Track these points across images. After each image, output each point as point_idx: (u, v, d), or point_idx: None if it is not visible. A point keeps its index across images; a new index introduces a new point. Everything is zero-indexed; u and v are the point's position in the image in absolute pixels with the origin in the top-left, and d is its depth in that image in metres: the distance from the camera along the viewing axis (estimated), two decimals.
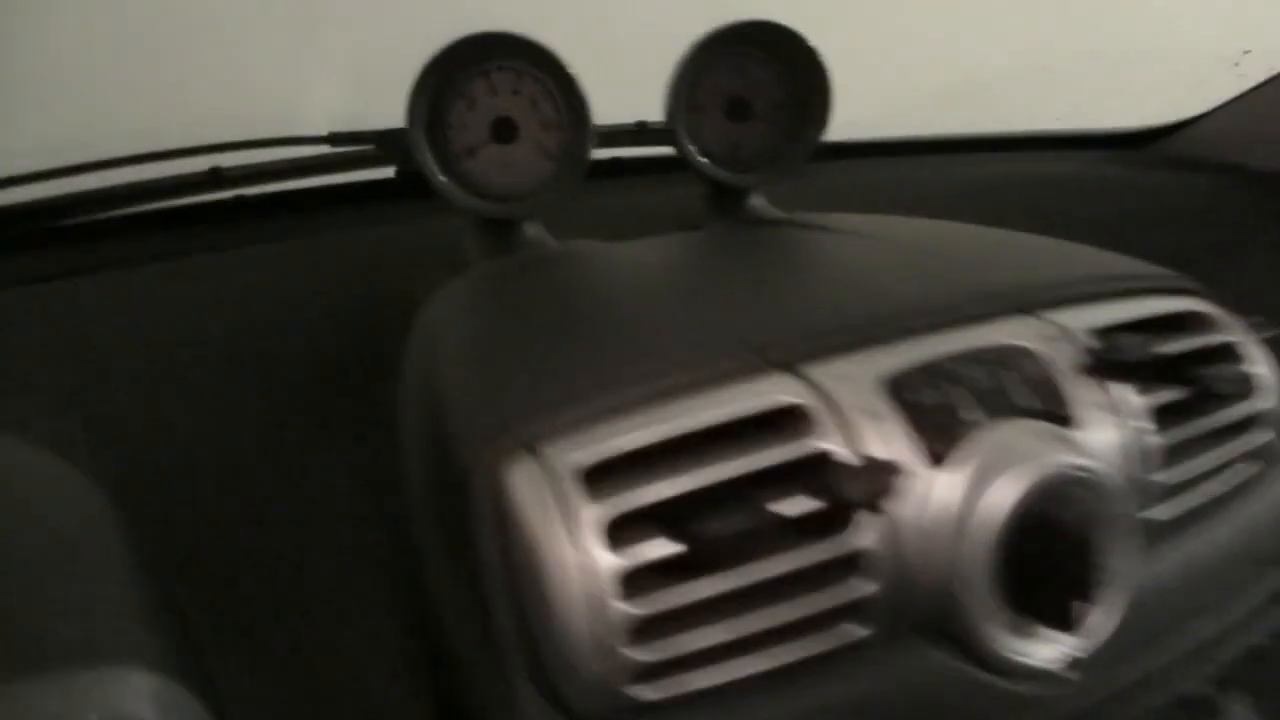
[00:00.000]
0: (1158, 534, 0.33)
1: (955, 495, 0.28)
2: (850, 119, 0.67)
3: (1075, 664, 0.29)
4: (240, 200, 0.65)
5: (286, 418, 0.48)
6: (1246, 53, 0.77)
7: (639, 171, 0.69)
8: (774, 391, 0.29)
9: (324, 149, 0.62)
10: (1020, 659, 0.29)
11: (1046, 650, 0.29)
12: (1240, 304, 0.51)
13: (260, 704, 0.32)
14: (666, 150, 0.52)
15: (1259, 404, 0.36)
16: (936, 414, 0.30)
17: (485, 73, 0.47)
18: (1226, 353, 0.36)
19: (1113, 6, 0.86)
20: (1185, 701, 0.34)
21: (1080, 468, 0.29)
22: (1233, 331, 0.37)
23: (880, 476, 0.27)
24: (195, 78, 0.72)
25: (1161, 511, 0.33)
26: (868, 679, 0.29)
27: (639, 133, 0.56)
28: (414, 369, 0.38)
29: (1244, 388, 0.35)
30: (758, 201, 0.55)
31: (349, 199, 0.68)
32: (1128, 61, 0.84)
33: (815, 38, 0.52)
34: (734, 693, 0.27)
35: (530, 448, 0.27)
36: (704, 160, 0.52)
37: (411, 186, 0.51)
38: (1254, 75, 0.75)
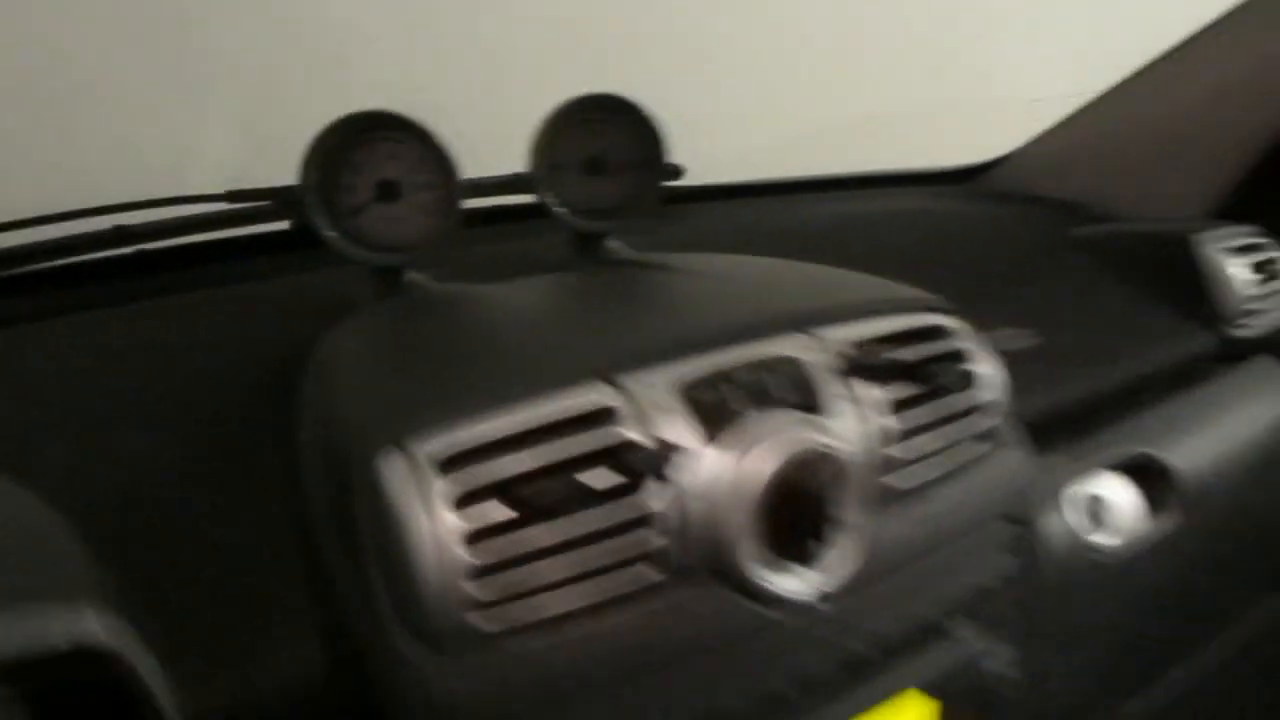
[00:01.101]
0: (897, 499, 0.44)
1: (725, 466, 0.39)
2: (712, 164, 0.79)
3: (824, 596, 0.40)
4: (143, 255, 0.72)
5: (198, 454, 0.54)
6: (1035, 101, 0.92)
7: (518, 218, 0.79)
8: (592, 395, 0.39)
9: (222, 206, 0.70)
10: (778, 591, 0.39)
11: (797, 584, 0.39)
12: (1017, 318, 0.64)
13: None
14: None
15: (982, 396, 0.47)
16: (713, 407, 0.40)
17: (369, 142, 0.57)
18: (957, 356, 0.48)
19: (924, 67, 1.02)
20: (921, 626, 0.45)
21: (822, 444, 0.40)
22: (965, 340, 0.48)
23: (664, 453, 0.37)
24: (92, 141, 0.80)
25: (899, 480, 0.44)
26: (664, 611, 0.38)
27: (514, 183, 0.66)
28: (310, 393, 0.46)
29: (966, 382, 0.46)
30: (614, 244, 0.65)
31: (247, 250, 0.76)
32: (942, 110, 0.99)
33: (681, 94, 0.64)
34: (556, 624, 0.36)
35: (398, 443, 0.36)
36: (563, 210, 0.62)
37: (305, 239, 0.59)
38: (1046, 117, 0.90)
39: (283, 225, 0.71)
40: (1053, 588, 0.55)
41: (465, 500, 0.35)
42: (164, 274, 0.73)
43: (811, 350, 0.44)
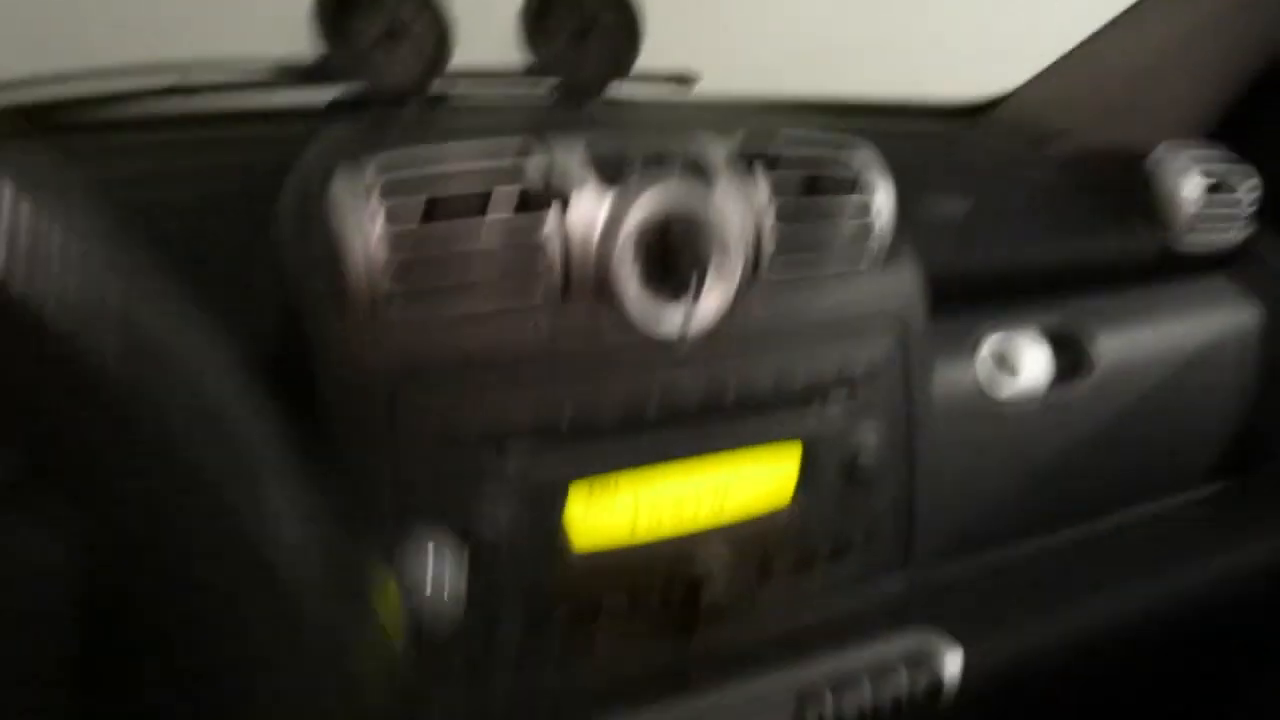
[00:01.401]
0: (769, 282, 0.52)
1: (615, 209, 0.47)
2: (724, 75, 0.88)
3: (685, 335, 0.48)
4: (195, 114, 0.83)
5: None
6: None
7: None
8: (510, 145, 0.48)
9: (267, 72, 0.81)
10: (646, 321, 0.47)
11: (665, 318, 0.48)
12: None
13: None
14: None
15: (868, 211, 0.55)
16: (614, 167, 0.48)
17: None
18: (852, 177, 0.55)
19: None
20: (786, 391, 0.53)
21: (699, 208, 0.48)
22: (865, 165, 0.56)
23: (562, 190, 0.46)
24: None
25: (771, 264, 0.52)
26: (557, 325, 0.47)
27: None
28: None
29: (850, 190, 0.54)
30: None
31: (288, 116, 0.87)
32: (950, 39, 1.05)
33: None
34: (455, 323, 0.45)
35: (351, 166, 0.46)
36: (549, 75, 0.71)
37: (338, 108, 0.69)
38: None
39: (321, 93, 0.83)
40: (941, 420, 0.61)
41: (394, 211, 0.45)
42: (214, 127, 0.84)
43: (715, 145, 0.52)
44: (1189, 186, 0.79)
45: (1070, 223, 0.79)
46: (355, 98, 0.70)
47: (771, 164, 0.52)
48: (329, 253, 0.45)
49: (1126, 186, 0.80)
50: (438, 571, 0.43)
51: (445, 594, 0.42)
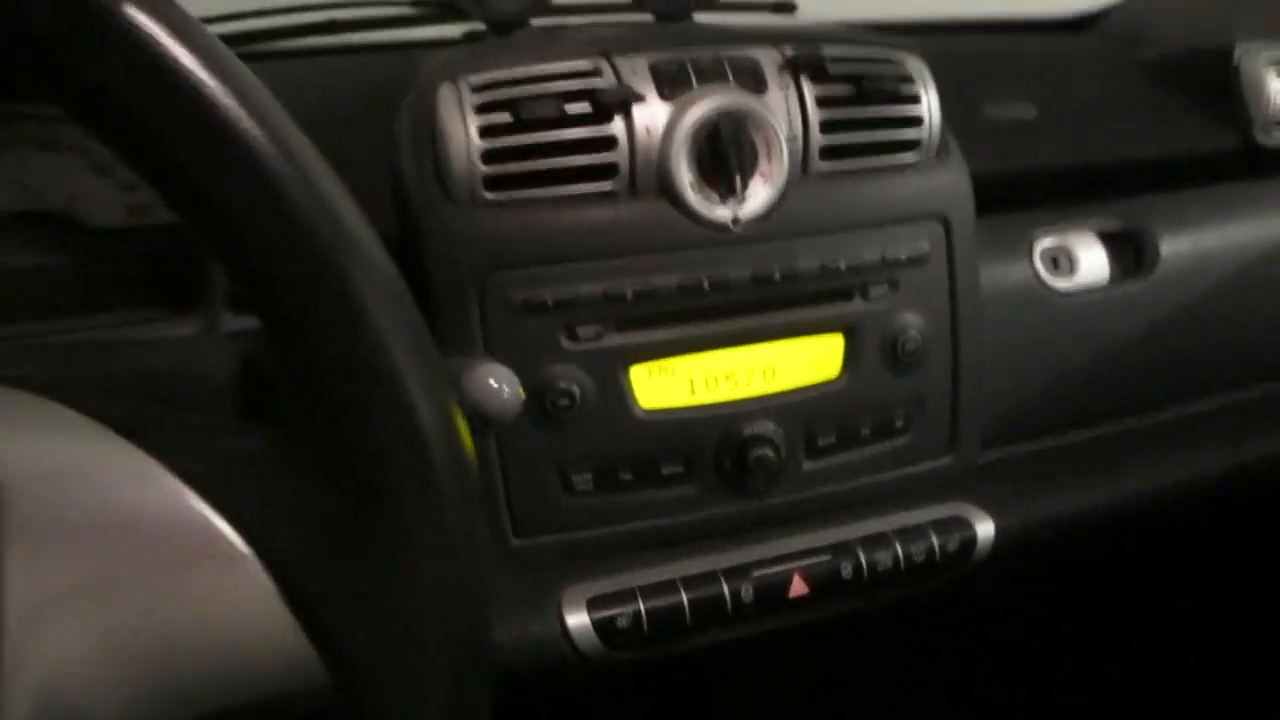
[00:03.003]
0: (817, 175, 0.58)
1: (672, 112, 0.55)
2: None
3: (738, 220, 0.56)
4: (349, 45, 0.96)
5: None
6: None
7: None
8: (584, 59, 0.56)
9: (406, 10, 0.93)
10: (703, 211, 0.56)
11: (721, 208, 0.56)
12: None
13: None
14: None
15: (915, 113, 0.60)
16: (675, 77, 0.56)
17: None
18: (900, 79, 0.61)
19: None
20: (828, 271, 0.59)
21: (752, 109, 0.55)
22: (913, 69, 0.61)
23: (628, 97, 0.54)
24: None
25: (820, 159, 0.58)
26: (622, 215, 0.56)
27: None
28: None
29: (896, 95, 0.60)
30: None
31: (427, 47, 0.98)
32: None
33: None
34: (537, 204, 0.55)
35: (450, 77, 0.55)
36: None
37: (471, 40, 0.79)
38: None
39: (454, 28, 0.94)
40: (993, 312, 0.66)
41: (485, 109, 0.54)
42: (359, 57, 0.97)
43: (769, 54, 0.59)
44: (1274, 81, 0.79)
45: (1150, 123, 0.80)
46: (478, 32, 0.80)
47: (819, 71, 0.58)
48: (434, 150, 0.55)
49: (1210, 84, 0.80)
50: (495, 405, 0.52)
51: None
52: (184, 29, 0.27)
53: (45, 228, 0.56)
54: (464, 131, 0.54)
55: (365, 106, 0.73)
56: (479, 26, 0.84)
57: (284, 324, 0.29)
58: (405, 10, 0.94)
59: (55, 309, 0.56)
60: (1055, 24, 1.12)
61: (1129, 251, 0.72)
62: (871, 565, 0.61)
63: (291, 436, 0.31)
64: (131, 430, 0.30)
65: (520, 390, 0.48)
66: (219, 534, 0.30)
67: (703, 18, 0.73)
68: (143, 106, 0.27)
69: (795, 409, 0.61)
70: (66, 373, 0.39)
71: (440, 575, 0.30)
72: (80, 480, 0.29)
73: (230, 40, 0.90)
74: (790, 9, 0.93)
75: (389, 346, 0.29)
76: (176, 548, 0.29)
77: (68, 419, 0.31)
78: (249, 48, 0.91)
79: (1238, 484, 0.73)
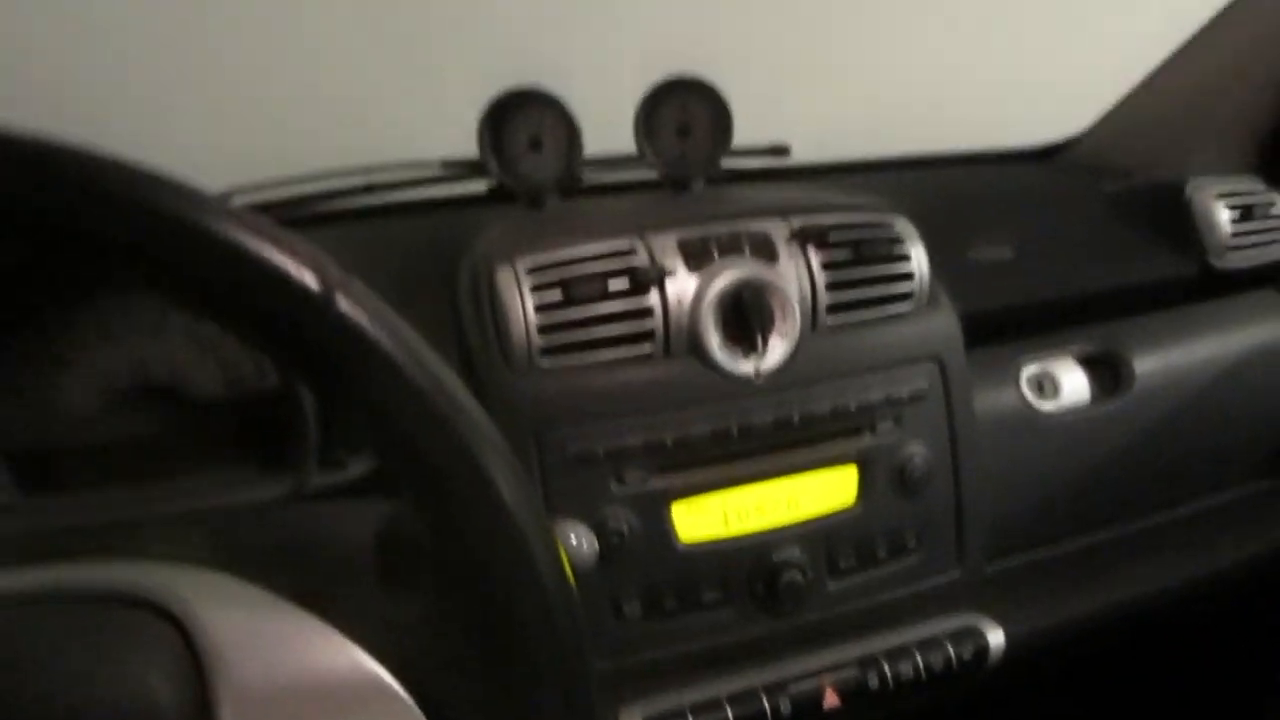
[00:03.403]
0: (826, 329, 0.67)
1: (699, 283, 0.64)
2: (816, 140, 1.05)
3: (760, 372, 0.64)
4: (386, 205, 1.06)
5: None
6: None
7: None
8: (621, 240, 0.66)
9: (438, 171, 1.04)
10: (729, 366, 0.64)
11: (744, 363, 0.64)
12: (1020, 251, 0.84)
13: None
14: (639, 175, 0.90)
15: (907, 269, 0.70)
16: (699, 252, 0.66)
17: (522, 109, 0.87)
18: (891, 240, 0.70)
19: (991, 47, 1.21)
20: (840, 412, 0.68)
21: (766, 278, 0.64)
22: (901, 230, 0.71)
23: (660, 273, 0.64)
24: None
25: (827, 316, 0.67)
26: (659, 373, 0.64)
27: (624, 158, 0.94)
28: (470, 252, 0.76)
29: (890, 255, 0.69)
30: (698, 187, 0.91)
31: (455, 204, 1.09)
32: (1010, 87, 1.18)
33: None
34: (585, 370, 0.63)
35: (508, 260, 0.65)
36: (658, 161, 0.89)
37: (492, 193, 0.90)
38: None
39: (478, 185, 1.04)
40: (988, 437, 0.75)
41: (539, 288, 0.63)
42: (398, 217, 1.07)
43: (779, 226, 0.68)
44: (1221, 212, 0.90)
45: (1117, 253, 0.90)
46: (507, 190, 0.90)
47: (822, 239, 0.68)
48: (495, 324, 0.64)
49: (1167, 215, 0.91)
50: (576, 556, 0.60)
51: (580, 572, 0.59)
52: (374, 310, 0.36)
53: (154, 400, 0.65)
54: (521, 308, 0.63)
55: (415, 264, 0.83)
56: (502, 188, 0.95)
57: (429, 497, 0.37)
58: (436, 172, 1.05)
59: (161, 474, 0.64)
60: (1022, 154, 1.24)
61: (1107, 373, 0.81)
62: (895, 676, 0.68)
63: (438, 600, 0.38)
64: (304, 600, 0.37)
65: (595, 543, 0.56)
66: (388, 686, 0.37)
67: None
68: (331, 353, 0.35)
69: (818, 534, 0.68)
70: (232, 548, 0.46)
71: (561, 703, 0.38)
72: (277, 646, 0.36)
73: (275, 207, 1.01)
74: (785, 152, 1.04)
75: (513, 511, 0.37)
76: (358, 699, 0.36)
77: (249, 593, 0.38)
78: (295, 213, 1.02)
79: (1226, 580, 0.80)
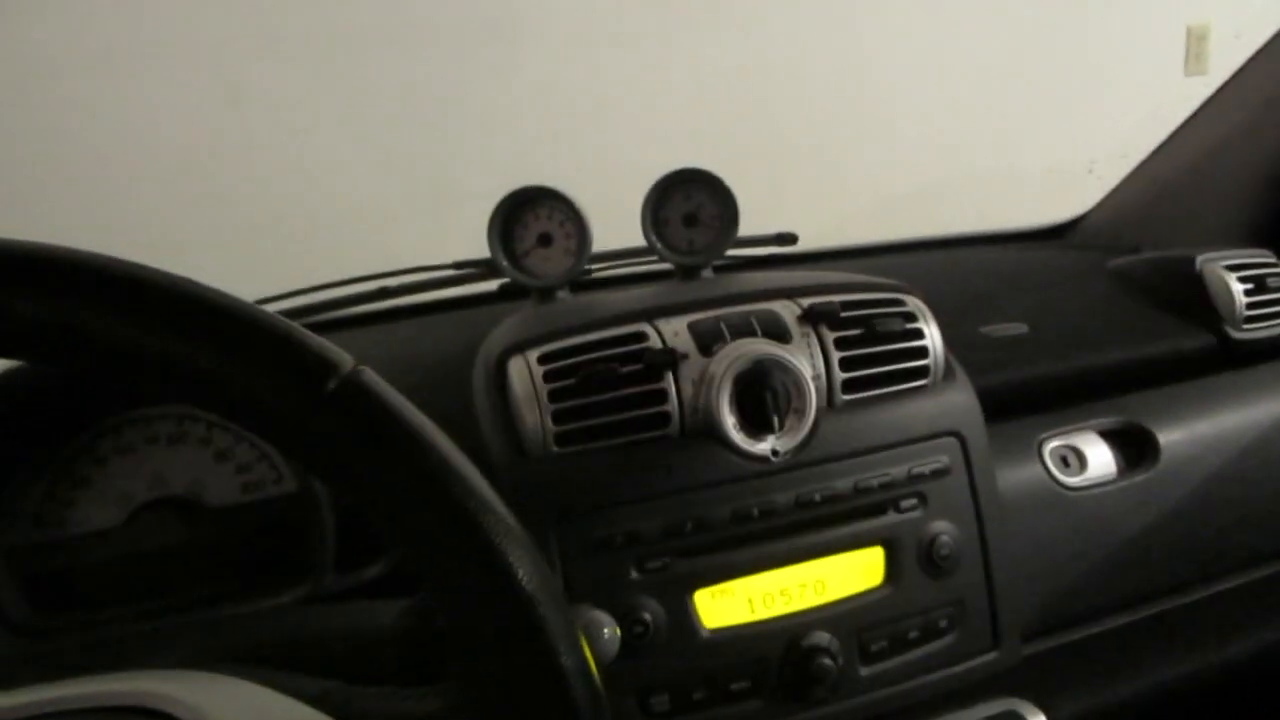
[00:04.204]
0: (841, 406, 0.68)
1: (714, 367, 0.65)
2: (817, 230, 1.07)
3: (777, 452, 0.64)
4: (397, 309, 1.08)
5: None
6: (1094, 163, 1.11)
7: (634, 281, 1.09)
8: (632, 326, 0.67)
9: (451, 271, 1.06)
10: (747, 448, 0.64)
11: (761, 445, 0.64)
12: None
13: None
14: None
15: (920, 345, 0.70)
16: (711, 335, 0.66)
17: (531, 207, 0.89)
18: (903, 316, 0.71)
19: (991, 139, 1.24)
20: (862, 490, 0.67)
21: (780, 357, 0.65)
22: (912, 307, 0.71)
23: (673, 357, 0.64)
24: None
25: (842, 393, 0.68)
26: (677, 458, 0.64)
27: (632, 250, 0.97)
28: (483, 345, 0.77)
29: (902, 332, 0.70)
30: (706, 275, 0.93)
31: (468, 303, 1.11)
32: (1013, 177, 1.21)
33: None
34: (602, 455, 0.64)
35: (519, 350, 0.66)
36: (667, 250, 0.91)
37: (503, 291, 0.92)
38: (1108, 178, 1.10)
39: (489, 284, 1.07)
40: (1015, 513, 0.74)
41: (551, 377, 0.64)
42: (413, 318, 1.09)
43: (789, 307, 0.69)
44: (1237, 282, 0.90)
45: (1130, 325, 0.91)
46: (518, 286, 0.92)
47: (833, 318, 0.68)
48: (509, 413, 0.65)
49: (1177, 289, 0.92)
50: (600, 647, 0.59)
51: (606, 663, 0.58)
52: (388, 400, 0.37)
53: (172, 511, 0.65)
54: (534, 397, 0.64)
55: (430, 362, 0.84)
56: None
57: (448, 588, 0.37)
58: (449, 273, 1.07)
59: (180, 584, 0.64)
60: (1029, 234, 1.26)
61: (1131, 446, 0.81)
62: None
63: (459, 695, 0.38)
64: (321, 699, 0.37)
65: (618, 631, 0.55)
66: None
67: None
68: (345, 443, 0.36)
69: (847, 618, 0.67)
70: (247, 649, 0.46)
71: None
72: None
73: (293, 315, 1.04)
74: (792, 240, 1.06)
75: (532, 600, 0.37)
76: None
77: (261, 695, 0.38)
78: (312, 319, 1.04)
79: (1273, 656, 0.78)
